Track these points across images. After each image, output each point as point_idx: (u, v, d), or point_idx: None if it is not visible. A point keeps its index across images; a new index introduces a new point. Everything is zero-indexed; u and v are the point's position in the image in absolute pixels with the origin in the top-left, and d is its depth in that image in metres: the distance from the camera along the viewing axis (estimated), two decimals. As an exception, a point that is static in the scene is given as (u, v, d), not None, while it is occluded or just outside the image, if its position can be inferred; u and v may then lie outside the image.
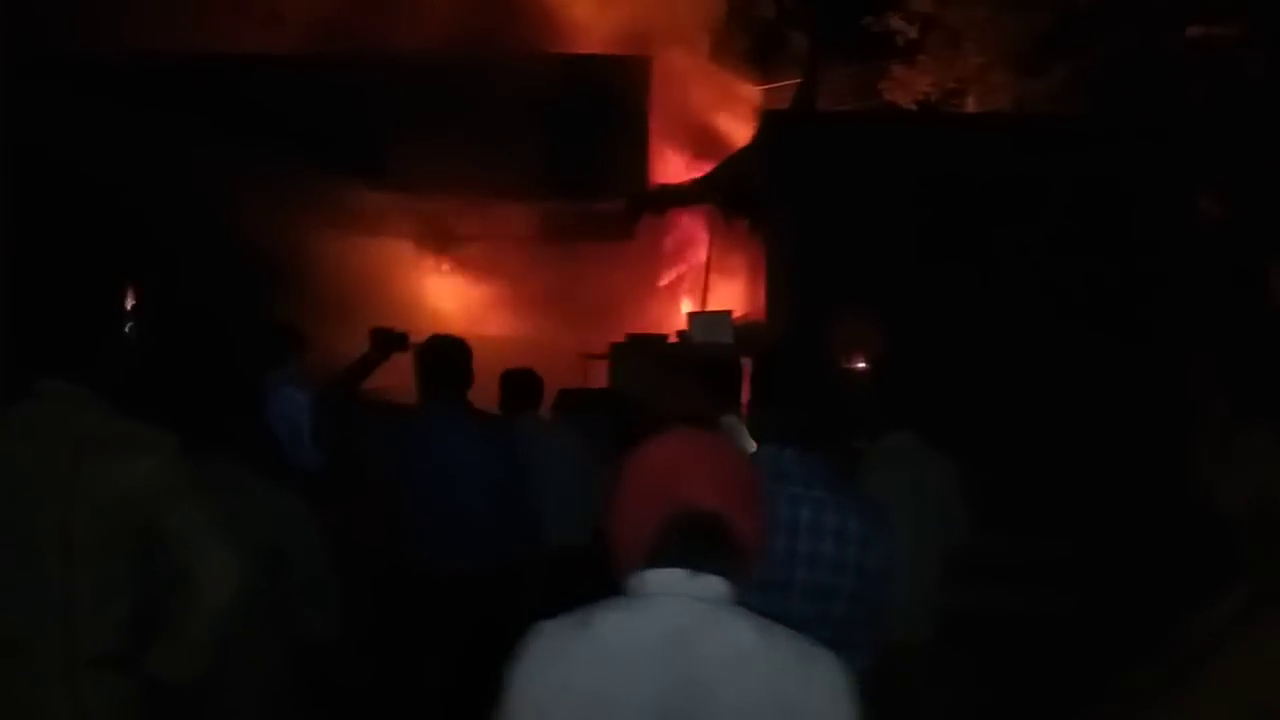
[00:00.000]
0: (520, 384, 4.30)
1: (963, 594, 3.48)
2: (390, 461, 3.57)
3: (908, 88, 9.81)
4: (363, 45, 8.48)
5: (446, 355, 3.52)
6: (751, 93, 9.54)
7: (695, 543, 1.30)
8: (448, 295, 8.78)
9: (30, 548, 1.96)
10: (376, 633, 3.44)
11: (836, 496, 2.02)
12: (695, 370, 3.79)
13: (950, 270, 6.24)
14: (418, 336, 3.86)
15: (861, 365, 6.28)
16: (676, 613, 1.27)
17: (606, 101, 8.26)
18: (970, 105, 9.64)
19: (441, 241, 8.93)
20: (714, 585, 1.28)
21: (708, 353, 5.65)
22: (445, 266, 8.98)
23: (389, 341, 3.69)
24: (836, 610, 1.95)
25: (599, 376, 6.81)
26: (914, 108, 9.58)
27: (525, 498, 3.57)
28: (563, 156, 8.19)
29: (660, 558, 1.30)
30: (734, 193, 7.24)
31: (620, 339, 6.92)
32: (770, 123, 6.68)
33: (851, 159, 6.32)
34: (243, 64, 8.28)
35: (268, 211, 7.14)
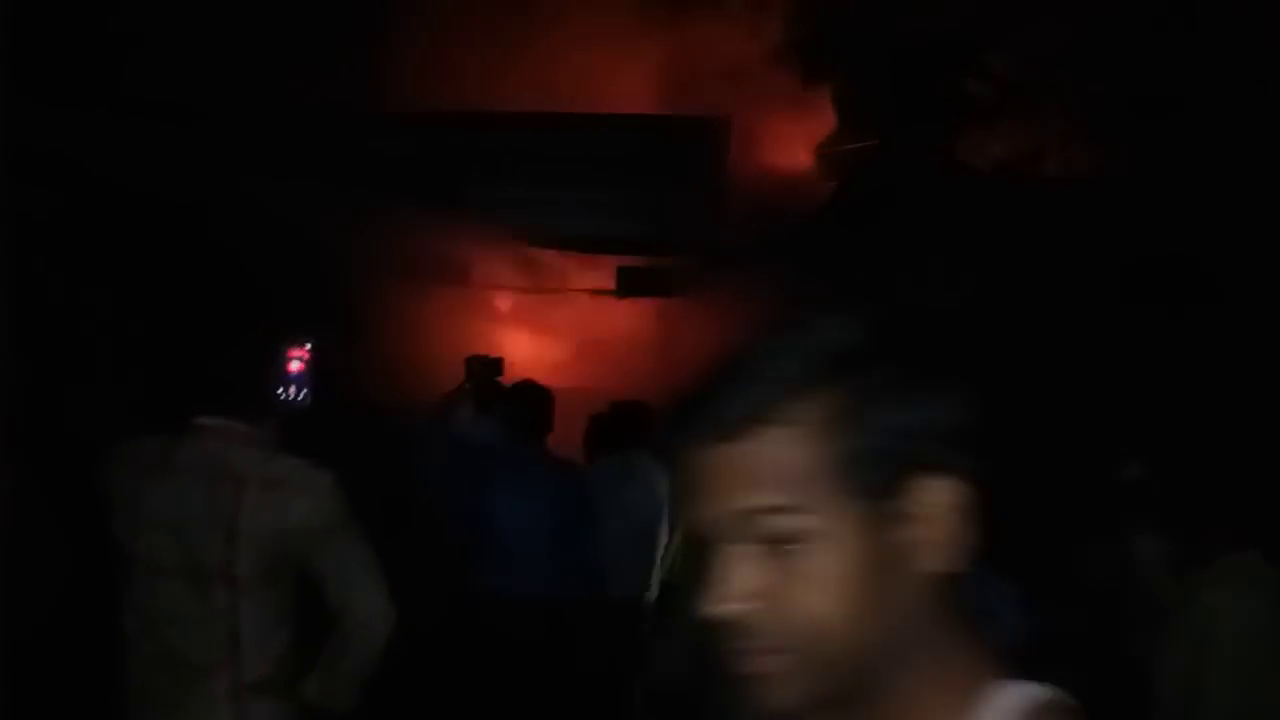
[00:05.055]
0: (630, 418, 4.36)
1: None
2: (468, 494, 3.70)
3: (983, 152, 9.73)
4: (440, 103, 8.67)
5: (528, 400, 3.68)
6: (827, 152, 9.58)
7: None
8: (518, 347, 8.88)
9: (200, 579, 2.05)
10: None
11: None
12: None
13: (1035, 337, 6.12)
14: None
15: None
16: None
17: (684, 160, 8.37)
18: (1050, 172, 9.52)
19: (513, 293, 9.07)
20: None
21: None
22: (515, 318, 9.09)
23: (485, 368, 3.85)
24: None
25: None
26: (989, 173, 9.50)
27: (585, 543, 3.68)
28: (638, 213, 8.30)
29: None
30: (808, 250, 7.26)
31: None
32: (847, 187, 6.71)
33: (933, 222, 6.30)
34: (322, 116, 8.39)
35: (349, 260, 7.30)
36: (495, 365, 3.90)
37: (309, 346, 3.33)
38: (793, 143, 9.44)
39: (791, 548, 0.77)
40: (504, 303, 9.06)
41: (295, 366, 3.34)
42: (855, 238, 6.39)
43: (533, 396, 3.82)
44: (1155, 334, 6.04)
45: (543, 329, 8.94)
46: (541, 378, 4.27)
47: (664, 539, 4.34)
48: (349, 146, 8.22)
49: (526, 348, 8.88)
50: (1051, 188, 8.52)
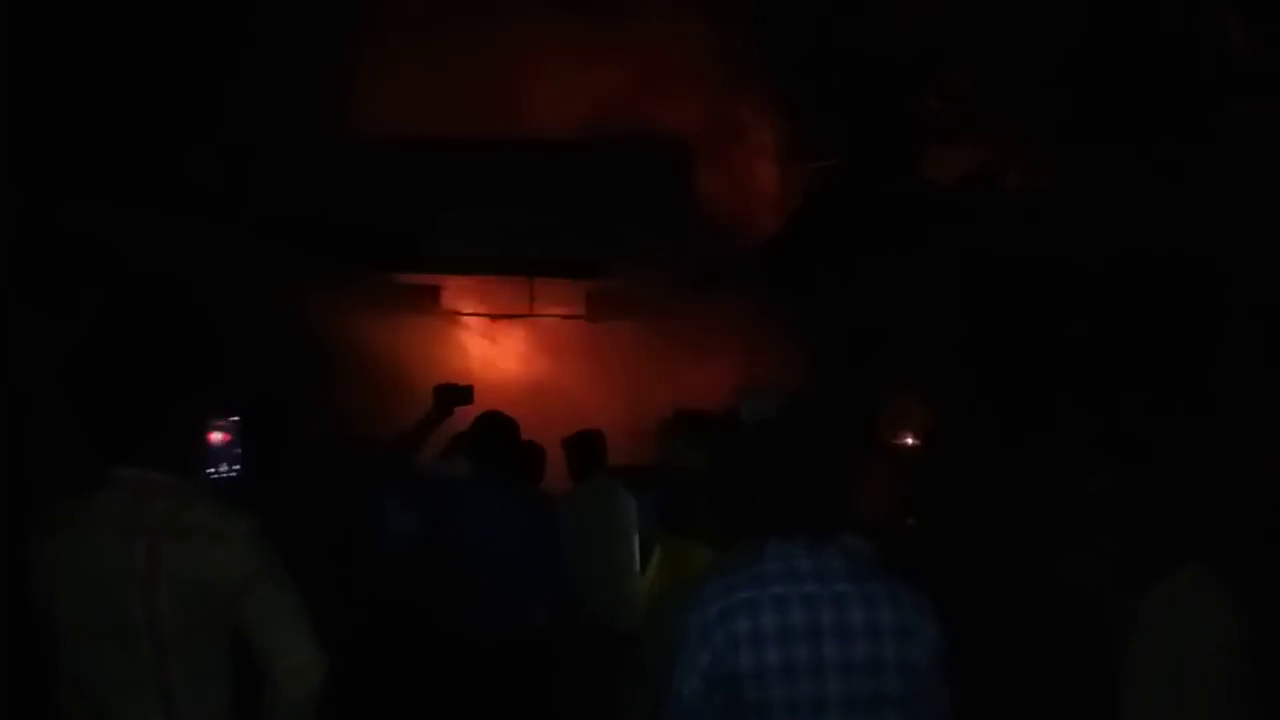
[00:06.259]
0: (584, 446, 4.43)
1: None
2: (438, 529, 3.66)
3: (947, 166, 9.84)
4: (405, 131, 8.62)
5: (496, 431, 3.66)
6: (794, 173, 9.65)
7: None
8: (492, 373, 8.84)
9: (125, 637, 1.97)
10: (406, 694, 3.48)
11: (861, 588, 1.80)
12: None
13: (1006, 351, 6.16)
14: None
15: (911, 441, 6.16)
16: None
17: (649, 183, 8.40)
18: (1011, 184, 9.63)
19: (486, 320, 9.04)
20: None
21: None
22: (485, 345, 9.06)
23: (451, 398, 3.77)
24: None
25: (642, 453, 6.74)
26: (956, 186, 9.60)
27: (562, 569, 3.67)
28: (606, 238, 8.31)
29: None
30: (778, 270, 7.31)
31: (664, 416, 6.85)
32: (815, 202, 6.77)
33: (898, 237, 6.35)
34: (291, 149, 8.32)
35: (313, 298, 7.20)
36: (464, 394, 3.83)
37: (236, 420, 3.27)
38: (757, 163, 9.50)
39: None
40: (474, 330, 9.03)
41: (218, 438, 3.27)
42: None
43: (498, 427, 3.77)
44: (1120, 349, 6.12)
45: (513, 355, 8.91)
46: (512, 404, 4.24)
47: (635, 562, 4.33)
48: (315, 175, 8.16)
49: (497, 375, 8.85)
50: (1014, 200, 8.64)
